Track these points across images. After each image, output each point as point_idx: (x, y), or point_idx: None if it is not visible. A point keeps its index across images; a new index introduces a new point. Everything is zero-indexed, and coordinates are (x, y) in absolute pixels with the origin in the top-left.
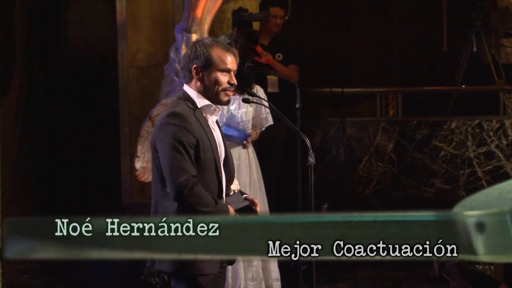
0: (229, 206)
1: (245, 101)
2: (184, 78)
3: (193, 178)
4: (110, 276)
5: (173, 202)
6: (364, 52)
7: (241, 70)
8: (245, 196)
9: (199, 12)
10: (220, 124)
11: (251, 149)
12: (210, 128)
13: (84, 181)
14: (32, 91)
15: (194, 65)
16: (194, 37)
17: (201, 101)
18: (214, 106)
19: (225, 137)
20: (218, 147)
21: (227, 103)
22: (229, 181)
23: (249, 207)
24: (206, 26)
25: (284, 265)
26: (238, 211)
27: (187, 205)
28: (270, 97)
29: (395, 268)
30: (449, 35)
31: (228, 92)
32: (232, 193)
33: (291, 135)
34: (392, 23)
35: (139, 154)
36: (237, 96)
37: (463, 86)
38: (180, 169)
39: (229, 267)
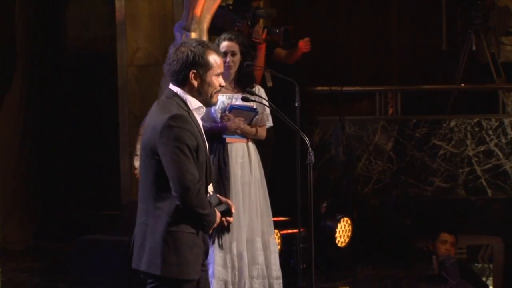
0: (215, 208)
1: (245, 99)
2: (175, 81)
3: (198, 182)
4: (110, 275)
5: (170, 203)
6: (364, 51)
7: (241, 68)
8: (219, 198)
9: (198, 10)
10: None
11: (253, 147)
12: (202, 130)
13: (84, 180)
14: (32, 90)
15: (193, 71)
16: (193, 35)
17: (194, 103)
18: (203, 107)
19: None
20: (206, 149)
21: (216, 103)
22: (209, 183)
23: (228, 210)
24: (205, 25)
25: (284, 264)
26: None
27: (190, 207)
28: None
29: (395, 267)
30: (448, 34)
31: (217, 94)
32: (208, 195)
33: (279, 135)
34: (392, 21)
35: (138, 153)
36: (240, 95)
37: (462, 85)
38: (187, 172)
39: (235, 265)
